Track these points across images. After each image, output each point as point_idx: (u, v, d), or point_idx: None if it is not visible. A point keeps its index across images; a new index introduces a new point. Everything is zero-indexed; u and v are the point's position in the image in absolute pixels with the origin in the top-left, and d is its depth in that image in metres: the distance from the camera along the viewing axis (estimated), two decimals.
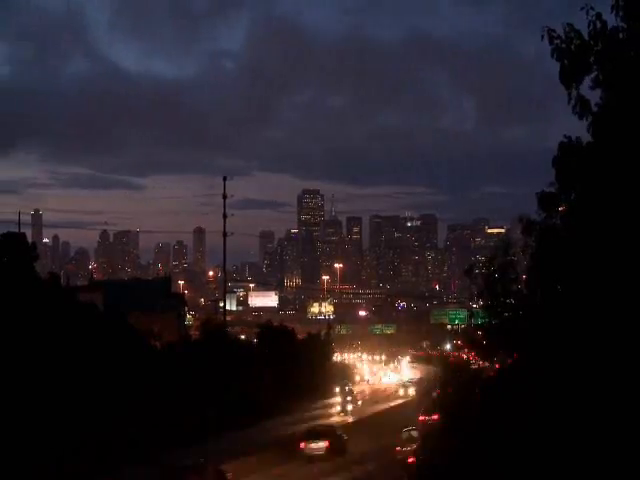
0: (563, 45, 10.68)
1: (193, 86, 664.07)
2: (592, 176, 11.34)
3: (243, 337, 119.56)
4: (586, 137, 11.45)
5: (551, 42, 10.78)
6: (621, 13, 10.62)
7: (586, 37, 10.66)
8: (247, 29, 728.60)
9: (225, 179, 76.34)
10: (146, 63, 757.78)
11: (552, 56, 10.82)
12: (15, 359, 45.16)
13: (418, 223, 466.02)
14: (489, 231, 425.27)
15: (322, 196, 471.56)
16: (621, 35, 10.66)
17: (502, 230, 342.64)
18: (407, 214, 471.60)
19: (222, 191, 76.00)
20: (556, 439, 12.20)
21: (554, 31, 10.81)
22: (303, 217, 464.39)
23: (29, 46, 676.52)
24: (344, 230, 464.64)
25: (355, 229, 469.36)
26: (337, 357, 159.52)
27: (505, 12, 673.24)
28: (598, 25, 10.56)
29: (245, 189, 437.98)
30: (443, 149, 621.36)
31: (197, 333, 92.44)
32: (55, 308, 51.16)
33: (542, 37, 10.78)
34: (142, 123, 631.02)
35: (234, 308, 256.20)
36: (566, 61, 10.67)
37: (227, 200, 75.44)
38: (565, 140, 11.59)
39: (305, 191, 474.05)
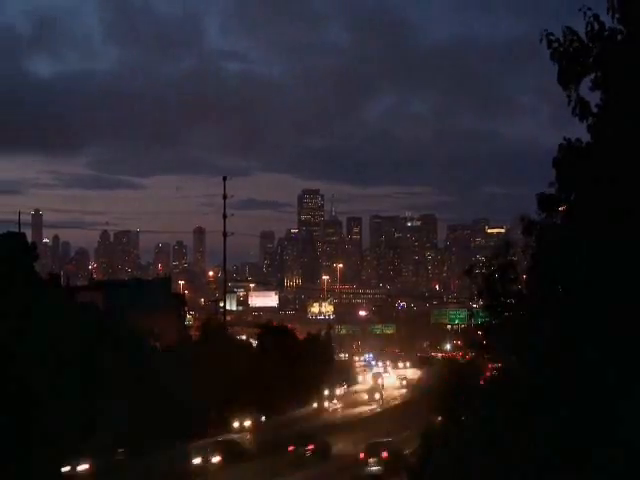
0: (561, 49, 10.64)
1: (283, 86, 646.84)
2: (592, 176, 11.35)
3: (243, 337, 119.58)
4: (586, 138, 11.48)
5: (549, 46, 10.76)
6: (617, 15, 10.60)
7: (584, 38, 10.64)
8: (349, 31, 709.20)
9: (225, 179, 76.33)
10: (244, 65, 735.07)
11: (551, 59, 10.79)
12: (15, 358, 45.15)
13: (418, 223, 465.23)
14: (489, 231, 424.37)
15: (322, 196, 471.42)
16: (619, 37, 10.64)
17: (502, 230, 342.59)
18: (407, 214, 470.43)
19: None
20: (556, 439, 12.21)
21: (552, 34, 10.78)
22: (303, 217, 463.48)
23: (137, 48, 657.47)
24: (344, 230, 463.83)
25: (355, 229, 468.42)
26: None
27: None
28: (596, 26, 10.53)
29: (248, 189, 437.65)
30: (443, 149, 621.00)
31: (197, 333, 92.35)
32: (55, 308, 51.16)
33: (540, 40, 10.75)
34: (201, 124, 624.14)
35: (234, 308, 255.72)
36: (564, 62, 10.64)
37: (228, 200, 75.42)
38: (564, 142, 11.62)
39: (305, 191, 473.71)
